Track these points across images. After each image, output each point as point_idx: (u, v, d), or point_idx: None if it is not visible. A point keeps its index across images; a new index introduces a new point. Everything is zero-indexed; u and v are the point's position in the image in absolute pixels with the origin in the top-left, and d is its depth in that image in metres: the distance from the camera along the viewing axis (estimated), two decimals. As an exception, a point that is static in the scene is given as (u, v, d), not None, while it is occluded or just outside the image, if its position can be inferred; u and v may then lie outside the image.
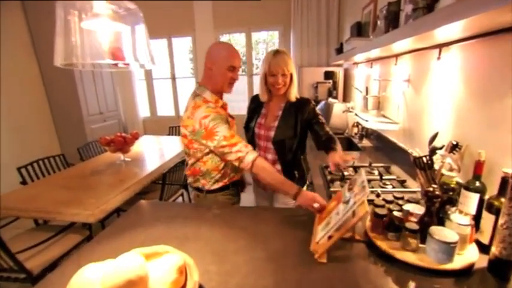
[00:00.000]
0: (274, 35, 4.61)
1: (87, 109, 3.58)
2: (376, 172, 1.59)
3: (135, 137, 2.34)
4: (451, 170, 0.98)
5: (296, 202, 1.07)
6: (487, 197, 0.92)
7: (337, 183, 1.48)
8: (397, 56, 1.73)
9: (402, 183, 1.40)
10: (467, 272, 0.77)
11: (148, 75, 4.44)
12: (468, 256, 0.80)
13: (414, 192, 1.28)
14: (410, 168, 1.52)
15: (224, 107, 1.28)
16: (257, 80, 2.79)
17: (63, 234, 1.71)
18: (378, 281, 0.75)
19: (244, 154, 1.11)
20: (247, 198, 1.66)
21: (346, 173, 1.57)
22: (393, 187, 1.36)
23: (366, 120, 1.85)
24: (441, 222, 0.85)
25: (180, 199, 2.50)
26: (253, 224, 1.06)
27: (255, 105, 1.48)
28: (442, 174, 1.00)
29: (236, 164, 1.15)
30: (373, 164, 1.67)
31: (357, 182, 0.93)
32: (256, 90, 2.15)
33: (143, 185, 1.97)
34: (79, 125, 3.54)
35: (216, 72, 1.19)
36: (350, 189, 0.94)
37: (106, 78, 3.88)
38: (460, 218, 0.82)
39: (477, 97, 1.05)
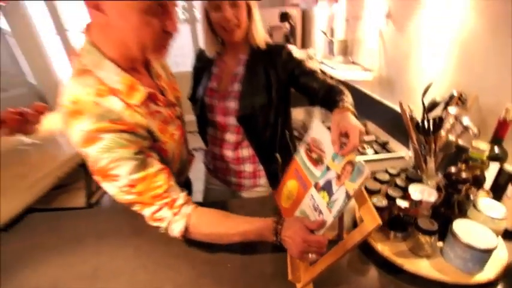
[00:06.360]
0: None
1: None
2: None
3: (40, 110, 1.71)
4: (466, 133, 0.73)
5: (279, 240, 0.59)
6: (509, 166, 0.71)
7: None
8: (371, -17, 1.37)
9: (384, 145, 1.16)
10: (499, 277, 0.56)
11: (60, 26, 3.45)
12: (498, 255, 0.59)
13: (402, 158, 1.06)
14: (388, 125, 1.30)
15: (154, 96, 0.64)
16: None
17: None
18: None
19: (166, 224, 0.60)
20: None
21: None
22: (375, 152, 1.12)
23: (333, 68, 1.53)
24: (459, 208, 0.62)
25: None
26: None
27: (203, 64, 0.94)
28: (451, 141, 0.76)
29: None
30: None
31: (323, 140, 0.62)
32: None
33: (57, 177, 1.48)
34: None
35: (119, 17, 0.51)
36: (317, 160, 0.64)
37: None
38: (491, 207, 0.59)
39: (495, 29, 0.77)
